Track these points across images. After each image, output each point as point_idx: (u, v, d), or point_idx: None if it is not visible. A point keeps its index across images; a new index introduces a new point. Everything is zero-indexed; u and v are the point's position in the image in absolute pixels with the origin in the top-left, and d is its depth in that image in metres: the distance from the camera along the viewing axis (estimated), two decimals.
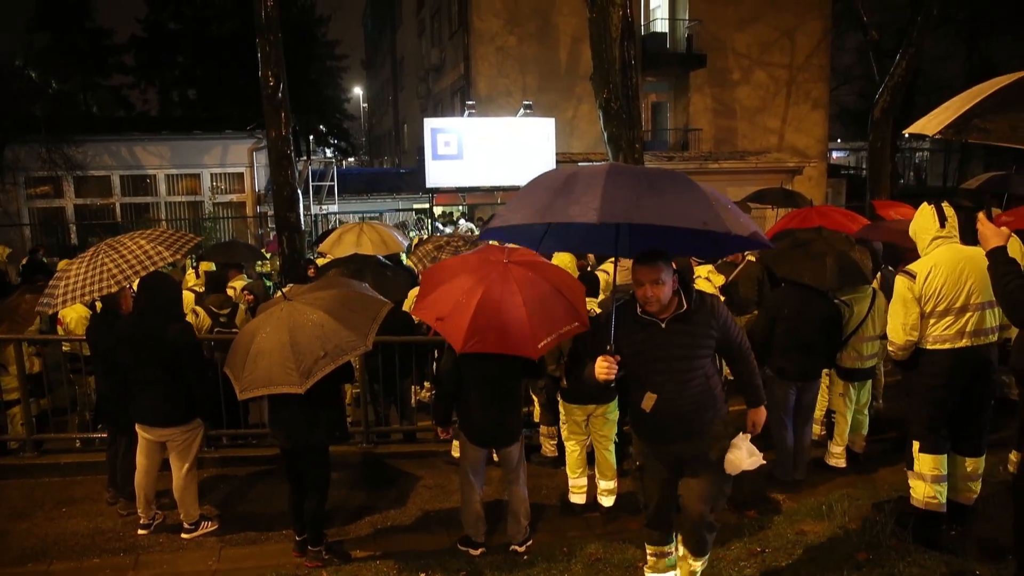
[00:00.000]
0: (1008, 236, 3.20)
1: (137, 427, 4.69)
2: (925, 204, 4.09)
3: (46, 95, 17.94)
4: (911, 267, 4.03)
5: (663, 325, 3.29)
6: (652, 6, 21.25)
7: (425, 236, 13.24)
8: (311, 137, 44.92)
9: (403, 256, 9.73)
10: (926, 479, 4.12)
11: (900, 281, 4.04)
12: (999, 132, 2.81)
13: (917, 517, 4.19)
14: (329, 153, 51.55)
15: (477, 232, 13.18)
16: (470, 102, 16.80)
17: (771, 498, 5.31)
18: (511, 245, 4.42)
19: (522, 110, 16.18)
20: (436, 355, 6.73)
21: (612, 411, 5.00)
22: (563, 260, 7.06)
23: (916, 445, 4.15)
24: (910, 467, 4.22)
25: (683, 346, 3.31)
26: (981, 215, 3.33)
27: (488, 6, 19.05)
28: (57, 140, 15.44)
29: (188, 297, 7.18)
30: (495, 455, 4.96)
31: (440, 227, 16.18)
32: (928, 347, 4.06)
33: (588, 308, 4.98)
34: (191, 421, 4.68)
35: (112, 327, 4.75)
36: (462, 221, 17.49)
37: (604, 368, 3.25)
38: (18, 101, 15.72)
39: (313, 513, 4.44)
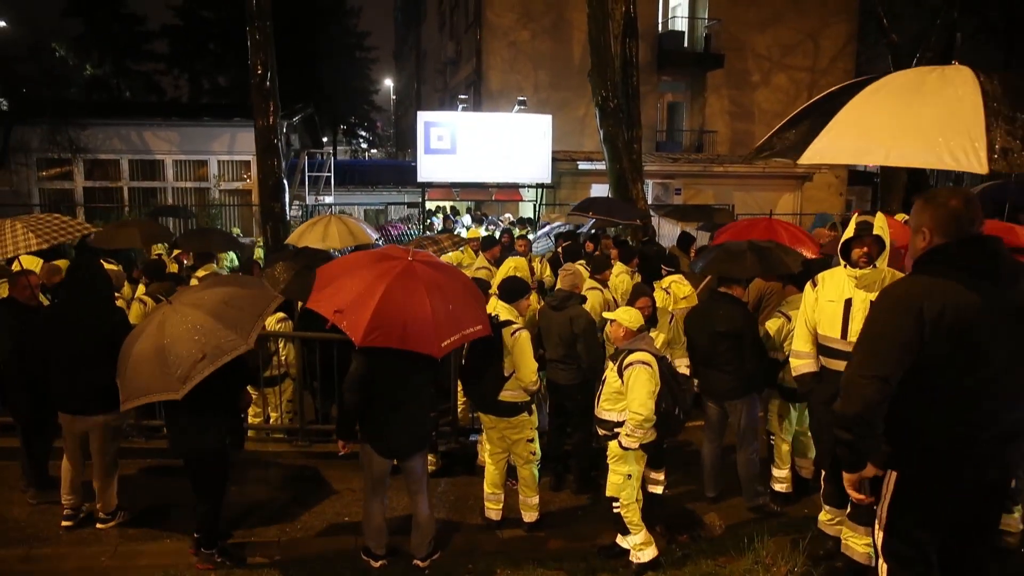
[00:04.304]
0: None
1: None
2: None
3: (59, 78, 18.13)
4: None
5: None
6: (672, 4, 20.81)
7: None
8: (342, 127, 45.30)
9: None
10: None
11: None
12: (778, 148, 2.75)
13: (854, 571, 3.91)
14: (362, 144, 52.00)
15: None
16: (463, 96, 16.55)
17: (708, 522, 5.04)
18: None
19: (517, 106, 15.90)
20: None
21: (519, 427, 4.74)
22: (519, 263, 6.84)
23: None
24: (868, 524, 3.91)
25: None
26: None
27: (502, 0, 18.82)
28: (63, 122, 15.57)
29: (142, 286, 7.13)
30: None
31: (437, 222, 16.00)
32: None
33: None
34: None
35: (20, 315, 4.64)
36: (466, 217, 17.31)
37: None
38: (31, 83, 15.91)
39: (204, 517, 4.28)
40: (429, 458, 5.19)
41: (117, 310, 4.87)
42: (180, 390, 3.72)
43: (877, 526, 2.58)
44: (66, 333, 4.43)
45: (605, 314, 4.68)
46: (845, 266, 3.92)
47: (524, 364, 4.57)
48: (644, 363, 4.08)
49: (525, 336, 4.65)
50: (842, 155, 2.96)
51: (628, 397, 4.09)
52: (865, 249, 3.84)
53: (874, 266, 3.83)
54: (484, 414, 4.77)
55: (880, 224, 3.84)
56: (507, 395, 4.63)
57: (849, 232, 3.88)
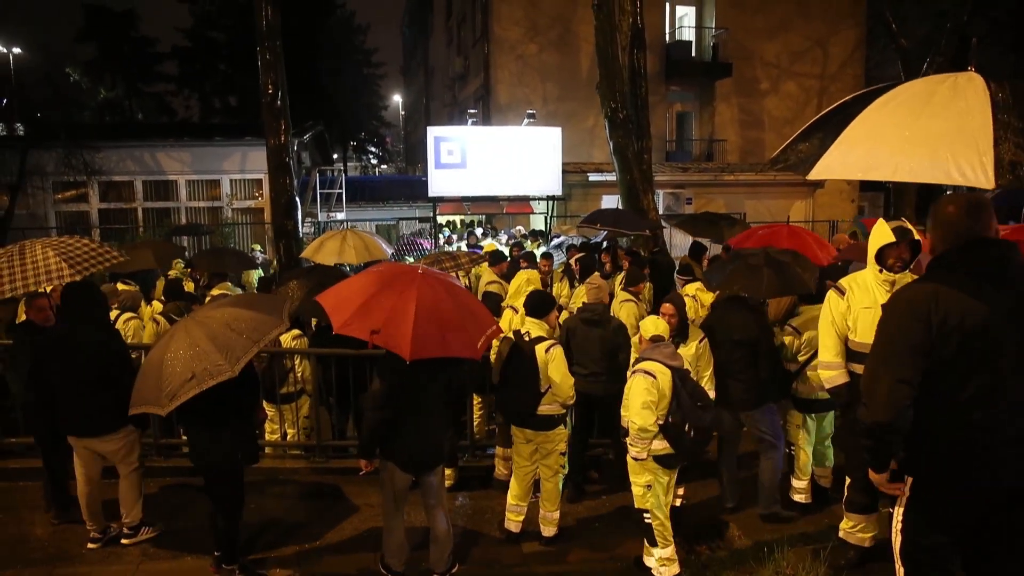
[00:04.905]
0: None
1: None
2: None
3: (73, 102, 18.38)
4: None
5: None
6: (679, 14, 20.86)
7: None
8: (352, 144, 45.64)
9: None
10: None
11: None
12: (792, 161, 2.79)
13: None
14: (372, 160, 52.40)
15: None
16: (472, 110, 16.63)
17: (728, 534, 5.00)
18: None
19: (525, 119, 15.96)
20: None
21: (555, 440, 4.75)
22: (532, 276, 6.84)
23: None
24: None
25: None
26: None
27: (508, 14, 18.95)
28: (77, 145, 15.77)
29: (157, 305, 7.20)
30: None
31: (451, 236, 16.04)
32: None
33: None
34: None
35: (33, 338, 4.70)
36: (478, 230, 17.35)
37: None
38: (45, 108, 16.13)
39: (224, 532, 4.30)
40: (446, 472, 5.18)
41: (113, 332, 4.88)
42: (165, 407, 3.74)
43: (894, 530, 2.57)
44: (65, 356, 4.47)
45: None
46: (881, 271, 3.85)
47: (561, 379, 4.58)
48: (645, 372, 4.06)
49: (559, 351, 4.65)
50: (851, 170, 2.93)
51: (628, 406, 4.10)
52: (904, 255, 3.81)
53: (909, 270, 3.81)
54: (520, 428, 4.76)
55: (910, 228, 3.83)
56: (544, 409, 4.64)
57: (888, 237, 3.77)
